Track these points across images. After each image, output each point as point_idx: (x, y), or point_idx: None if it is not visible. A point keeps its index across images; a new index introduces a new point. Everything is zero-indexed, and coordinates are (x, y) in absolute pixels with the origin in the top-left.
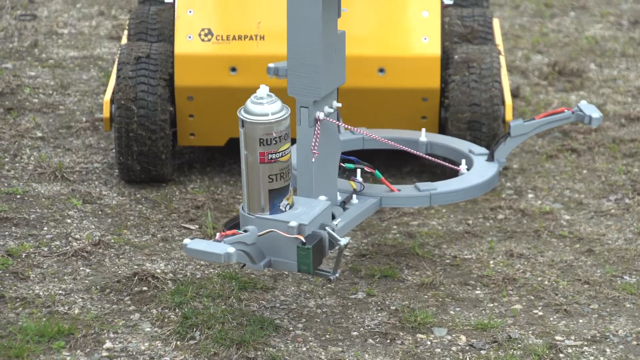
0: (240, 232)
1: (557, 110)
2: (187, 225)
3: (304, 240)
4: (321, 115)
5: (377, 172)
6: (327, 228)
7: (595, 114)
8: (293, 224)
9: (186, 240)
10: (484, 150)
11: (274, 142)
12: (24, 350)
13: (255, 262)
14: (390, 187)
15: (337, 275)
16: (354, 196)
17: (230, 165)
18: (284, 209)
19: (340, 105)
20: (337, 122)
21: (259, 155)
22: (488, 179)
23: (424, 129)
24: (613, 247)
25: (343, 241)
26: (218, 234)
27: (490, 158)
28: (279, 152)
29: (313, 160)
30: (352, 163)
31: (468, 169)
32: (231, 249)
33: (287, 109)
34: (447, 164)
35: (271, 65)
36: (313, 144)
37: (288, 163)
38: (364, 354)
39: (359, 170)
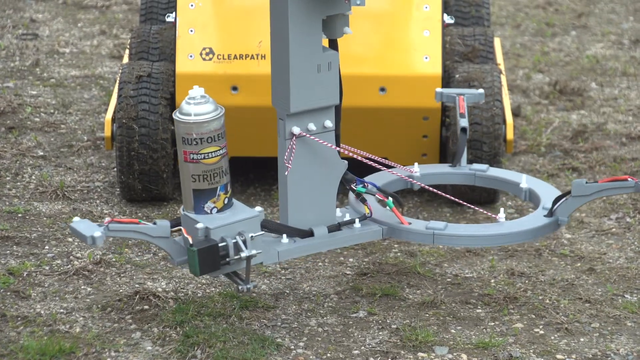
0: (145, 223)
1: (620, 178)
2: None
3: (191, 242)
4: (296, 130)
5: (389, 201)
6: (238, 237)
7: None
8: (200, 225)
9: (75, 219)
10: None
11: (195, 142)
12: None
13: (173, 258)
14: (401, 219)
15: (249, 286)
16: (357, 220)
17: (231, 184)
18: (208, 211)
19: (330, 125)
20: (319, 140)
21: (183, 154)
22: (513, 232)
23: (524, 176)
24: (614, 266)
25: (245, 252)
26: (107, 219)
27: (549, 214)
28: (200, 154)
29: (286, 173)
30: (364, 187)
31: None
32: (97, 234)
33: (216, 112)
34: (482, 210)
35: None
36: (286, 157)
37: (215, 167)
38: None
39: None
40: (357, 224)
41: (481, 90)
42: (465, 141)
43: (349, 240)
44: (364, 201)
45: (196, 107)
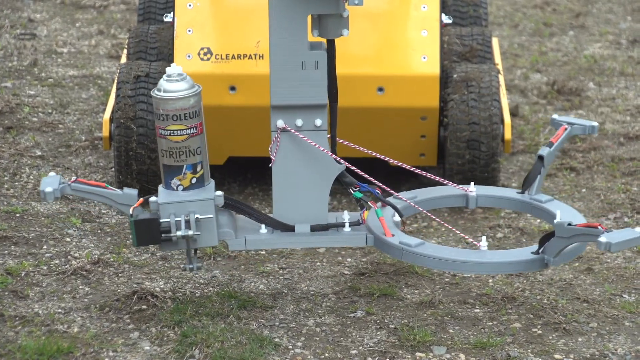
0: (113, 189)
1: (593, 225)
2: None
3: (131, 212)
4: (280, 123)
5: (378, 210)
6: (183, 216)
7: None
8: (153, 198)
9: (51, 174)
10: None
11: (162, 118)
12: None
13: None
14: (386, 230)
15: (191, 267)
16: (347, 224)
17: (229, 184)
18: (174, 187)
19: (320, 124)
20: (303, 137)
21: (156, 128)
22: (486, 262)
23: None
24: (612, 265)
25: (181, 232)
26: (74, 178)
27: (536, 252)
28: (166, 130)
29: (270, 165)
30: (360, 192)
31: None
32: (49, 189)
33: (184, 92)
34: (468, 238)
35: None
36: (270, 148)
37: (180, 145)
38: None
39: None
40: (347, 228)
41: (594, 123)
42: (539, 170)
43: (328, 243)
44: (362, 207)
45: (168, 84)
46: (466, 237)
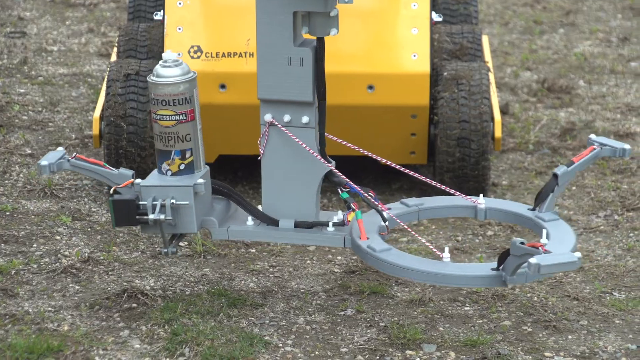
0: (110, 168)
1: (535, 245)
2: None
3: (111, 192)
4: (268, 117)
5: (358, 212)
6: (161, 200)
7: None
8: (138, 180)
9: (59, 148)
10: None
11: (154, 102)
12: None
13: None
14: (362, 232)
15: (166, 251)
16: (331, 224)
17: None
18: (164, 172)
19: (307, 121)
20: (290, 134)
21: (151, 111)
22: (439, 274)
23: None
24: (602, 263)
25: (153, 215)
26: (75, 155)
27: (496, 269)
28: (157, 115)
29: (259, 158)
30: (347, 193)
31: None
32: (44, 162)
33: (174, 79)
34: (432, 247)
35: None
36: (259, 141)
37: (169, 130)
38: None
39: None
40: (331, 228)
41: (626, 146)
42: (552, 188)
43: (309, 241)
44: (349, 207)
45: (161, 70)
46: (431, 246)
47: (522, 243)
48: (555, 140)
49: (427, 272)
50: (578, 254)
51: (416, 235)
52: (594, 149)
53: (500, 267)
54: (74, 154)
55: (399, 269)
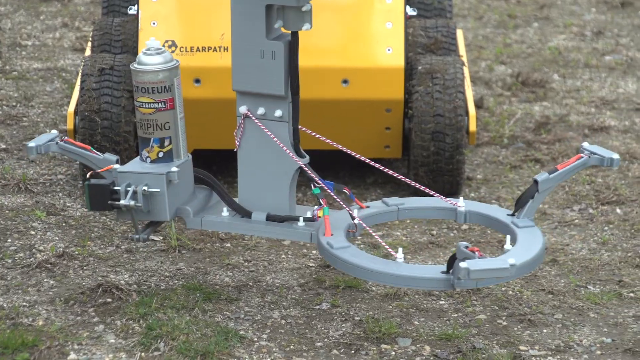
0: (97, 153)
1: (472, 249)
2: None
3: (88, 177)
4: (243, 109)
5: (326, 208)
6: (134, 187)
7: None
8: (116, 165)
9: (53, 131)
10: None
11: (135, 89)
12: None
13: None
14: (327, 229)
15: (138, 237)
16: (301, 219)
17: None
18: (144, 160)
19: (280, 115)
20: (263, 127)
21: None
22: (390, 274)
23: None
24: (577, 257)
25: (124, 201)
26: (66, 139)
27: (445, 272)
28: (138, 101)
29: (235, 150)
30: (318, 188)
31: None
32: (32, 144)
33: (153, 67)
34: (386, 246)
35: None
36: (235, 133)
37: (148, 117)
38: None
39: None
40: (301, 223)
41: (615, 156)
42: (532, 194)
43: (279, 234)
44: (319, 203)
45: (143, 57)
46: (387, 247)
47: (466, 247)
48: (530, 134)
49: (380, 272)
50: (512, 260)
51: (374, 235)
52: (581, 157)
53: (450, 271)
54: (63, 137)
55: (352, 267)
